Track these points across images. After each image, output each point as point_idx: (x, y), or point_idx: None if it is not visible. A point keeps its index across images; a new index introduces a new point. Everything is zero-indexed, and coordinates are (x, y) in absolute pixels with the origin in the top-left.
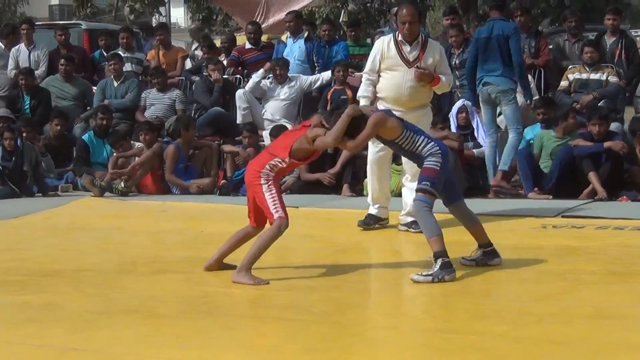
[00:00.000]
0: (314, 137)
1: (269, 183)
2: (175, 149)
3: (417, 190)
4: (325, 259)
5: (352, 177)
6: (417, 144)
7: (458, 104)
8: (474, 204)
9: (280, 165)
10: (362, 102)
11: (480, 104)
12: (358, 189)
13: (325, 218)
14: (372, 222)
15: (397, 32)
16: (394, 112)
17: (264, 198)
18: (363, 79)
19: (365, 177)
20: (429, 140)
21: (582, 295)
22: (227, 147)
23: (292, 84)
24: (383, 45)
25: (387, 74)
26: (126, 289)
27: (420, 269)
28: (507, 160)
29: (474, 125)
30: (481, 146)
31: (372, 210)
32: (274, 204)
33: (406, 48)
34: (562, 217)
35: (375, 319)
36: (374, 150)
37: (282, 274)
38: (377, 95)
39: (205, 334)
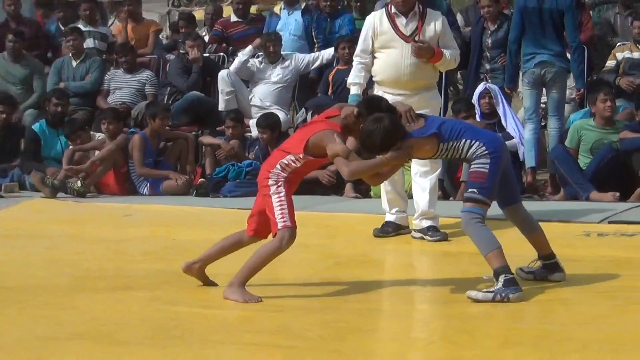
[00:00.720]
0: (334, 153)
1: (279, 185)
2: (142, 138)
3: (464, 201)
4: (323, 273)
5: None
6: (460, 152)
7: (480, 87)
8: None
9: (293, 164)
10: (353, 90)
11: (524, 86)
12: (364, 189)
13: (323, 224)
14: (390, 231)
15: (389, 4)
16: (393, 96)
17: (271, 204)
18: (354, 64)
19: None
20: (472, 141)
21: (634, 317)
22: (207, 139)
23: (286, 64)
24: (374, 21)
25: (382, 53)
26: (81, 309)
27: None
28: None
29: (501, 112)
30: (511, 137)
31: (390, 216)
32: (281, 211)
33: (401, 20)
34: (609, 222)
35: (381, 347)
36: None
37: (272, 291)
38: (374, 79)
39: None
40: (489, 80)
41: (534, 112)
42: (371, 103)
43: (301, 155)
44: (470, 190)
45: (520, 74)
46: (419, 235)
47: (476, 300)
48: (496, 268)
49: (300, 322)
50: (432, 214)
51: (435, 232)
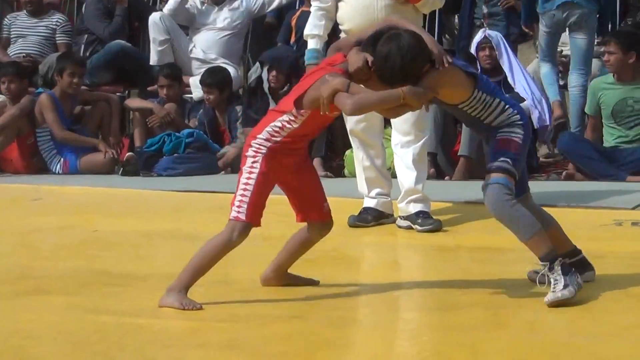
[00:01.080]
0: (331, 90)
1: (255, 159)
2: (51, 98)
3: (492, 170)
4: None
5: (327, 149)
6: (489, 111)
7: (478, 36)
8: None
9: (289, 125)
10: (311, 44)
11: (543, 31)
12: (336, 166)
13: (285, 211)
14: (370, 219)
15: None
16: None
17: (238, 182)
18: (312, 9)
19: (347, 147)
20: (506, 106)
21: None
22: (135, 102)
23: (235, 4)
24: None
25: None
26: None
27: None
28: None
29: (506, 67)
30: (523, 100)
31: (369, 201)
32: (241, 197)
33: None
34: None
35: None
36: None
37: (222, 295)
38: (341, 27)
39: None
40: (486, 28)
41: (550, 55)
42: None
43: (296, 112)
44: (501, 159)
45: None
46: (406, 223)
47: (557, 302)
48: (546, 254)
49: (258, 335)
50: (420, 193)
51: (426, 220)
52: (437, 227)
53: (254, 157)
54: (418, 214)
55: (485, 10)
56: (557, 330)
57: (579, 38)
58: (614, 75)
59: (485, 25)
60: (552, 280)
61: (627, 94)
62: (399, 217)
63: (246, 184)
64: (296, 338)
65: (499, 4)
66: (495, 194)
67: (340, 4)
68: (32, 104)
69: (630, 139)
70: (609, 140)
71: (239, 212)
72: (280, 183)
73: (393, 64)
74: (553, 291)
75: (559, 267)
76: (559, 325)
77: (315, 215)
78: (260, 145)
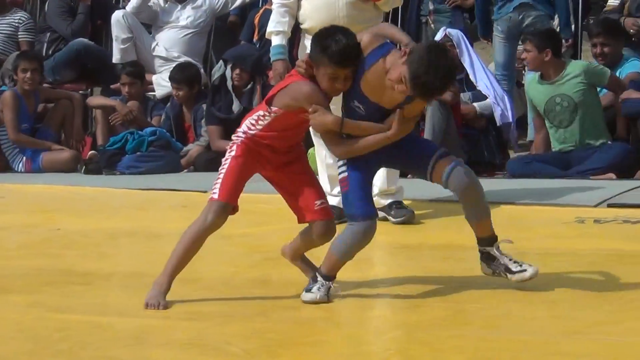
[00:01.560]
0: (321, 127)
1: (232, 147)
2: (14, 96)
3: (447, 155)
4: (248, 271)
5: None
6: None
7: (439, 34)
8: None
9: (261, 120)
10: (276, 41)
11: (496, 38)
12: None
13: (247, 208)
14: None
15: None
16: None
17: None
18: (274, 6)
19: (311, 145)
20: None
21: (636, 326)
22: (97, 100)
23: (198, 2)
24: None
25: None
26: None
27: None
28: None
29: (467, 64)
30: (485, 97)
31: (332, 199)
32: (217, 178)
33: None
34: (609, 206)
35: None
36: None
37: (184, 293)
38: (301, 26)
39: None
40: (432, 24)
41: (508, 69)
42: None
43: (269, 109)
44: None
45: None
46: (381, 214)
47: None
48: (493, 234)
49: (220, 333)
50: (394, 192)
51: (399, 210)
52: (410, 218)
53: (230, 145)
54: (391, 205)
55: (431, 6)
56: (517, 327)
57: None
58: (541, 76)
59: (430, 22)
60: (503, 260)
61: (553, 91)
62: None
63: (222, 168)
64: (258, 336)
65: (445, 1)
66: (469, 170)
67: (302, 2)
68: None
69: (572, 143)
70: (555, 146)
71: (213, 192)
72: (268, 179)
73: (432, 81)
74: (520, 271)
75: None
76: (519, 322)
77: (309, 216)
78: (237, 135)
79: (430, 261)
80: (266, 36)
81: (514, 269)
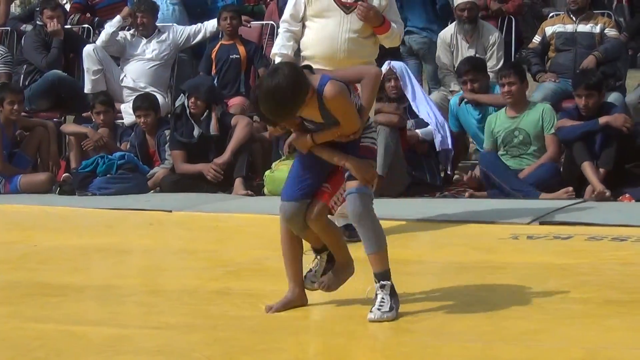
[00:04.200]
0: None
1: None
2: None
3: (350, 178)
4: (210, 284)
5: (248, 169)
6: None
7: (383, 68)
8: (420, 207)
9: None
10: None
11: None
12: (256, 186)
13: (210, 226)
14: None
15: None
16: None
17: None
18: (280, 31)
19: (267, 168)
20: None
21: (568, 332)
22: (70, 127)
23: (163, 37)
24: None
25: (315, 22)
26: None
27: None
28: None
29: (409, 96)
30: (427, 124)
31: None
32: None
33: None
34: (541, 223)
35: None
36: None
37: (150, 305)
38: (302, 53)
39: None
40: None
41: None
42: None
43: None
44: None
45: None
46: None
47: (379, 321)
48: (384, 271)
49: (185, 341)
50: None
51: (354, 232)
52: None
53: None
54: (347, 226)
55: None
56: (458, 335)
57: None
58: (505, 110)
59: None
60: (380, 297)
61: (511, 124)
62: None
63: None
64: (220, 344)
65: None
66: (363, 201)
67: (305, 31)
68: None
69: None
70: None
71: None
72: None
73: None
74: (379, 309)
75: (389, 289)
76: (460, 330)
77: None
78: None
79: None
80: (270, 56)
81: (371, 309)
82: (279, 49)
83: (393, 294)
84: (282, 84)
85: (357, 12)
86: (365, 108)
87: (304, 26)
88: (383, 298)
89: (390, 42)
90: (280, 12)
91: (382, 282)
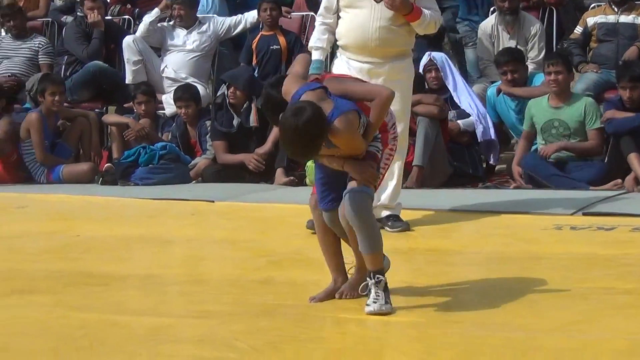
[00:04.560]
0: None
1: None
2: (40, 118)
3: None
4: (253, 274)
5: (289, 159)
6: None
7: (424, 59)
8: (462, 197)
9: None
10: (315, 56)
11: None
12: (298, 175)
13: (252, 216)
14: None
15: None
16: (360, 64)
17: None
18: (316, 24)
19: None
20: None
21: (611, 323)
22: (112, 118)
23: (203, 28)
24: None
25: (348, 12)
26: None
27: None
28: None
29: (450, 87)
30: (468, 115)
31: None
32: None
33: None
34: (584, 214)
35: (320, 359)
36: None
37: (193, 294)
38: (338, 43)
39: None
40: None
41: None
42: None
43: None
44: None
45: None
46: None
47: (377, 314)
48: (379, 270)
49: (228, 330)
50: (393, 208)
51: (396, 222)
52: (405, 228)
53: None
54: (389, 217)
55: None
56: (502, 325)
57: None
58: (548, 98)
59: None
60: (374, 291)
61: (553, 116)
62: None
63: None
64: (263, 333)
65: None
66: (362, 200)
67: (340, 21)
68: (13, 125)
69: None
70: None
71: None
72: None
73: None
74: (375, 302)
75: (383, 284)
76: (504, 321)
77: None
78: None
79: (421, 264)
80: (308, 49)
81: (367, 302)
82: (315, 42)
83: (386, 289)
84: (305, 128)
85: (385, 2)
86: (372, 126)
87: (338, 17)
88: (377, 292)
89: (424, 30)
90: (309, 3)
91: (377, 277)
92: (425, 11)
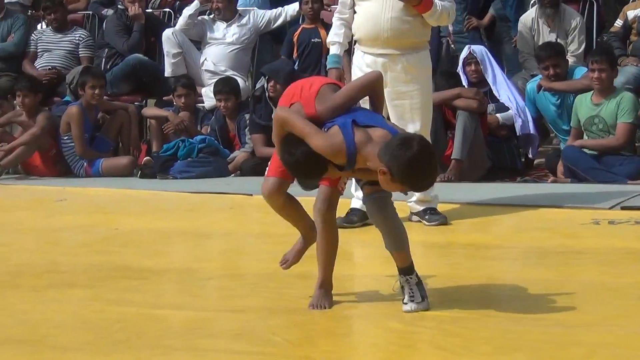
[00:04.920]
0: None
1: None
2: (80, 112)
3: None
4: (289, 268)
5: None
6: None
7: (464, 52)
8: (500, 191)
9: None
10: (332, 50)
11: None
12: None
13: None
14: (356, 220)
15: None
16: (374, 57)
17: None
18: (334, 19)
19: None
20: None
21: None
22: (151, 111)
23: (243, 21)
24: None
25: (361, 5)
26: (9, 309)
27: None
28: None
29: (490, 79)
30: (507, 109)
31: (356, 202)
32: None
33: None
34: (622, 208)
35: (358, 353)
36: None
37: (230, 288)
38: (354, 37)
39: None
40: (452, 45)
41: None
42: None
43: None
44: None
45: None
46: (416, 219)
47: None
48: (409, 267)
49: (264, 325)
50: (430, 200)
51: (433, 215)
52: (443, 222)
53: None
54: (426, 210)
55: (450, 28)
56: (535, 320)
57: None
58: (592, 95)
59: (451, 44)
60: (407, 289)
61: (593, 112)
62: (410, 213)
63: None
64: (300, 328)
65: (464, 23)
66: (388, 204)
67: (355, 15)
68: (52, 120)
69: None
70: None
71: None
72: None
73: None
74: (412, 301)
75: (415, 280)
76: (541, 315)
77: None
78: None
79: (459, 259)
80: (326, 45)
81: (404, 301)
82: (332, 38)
83: (419, 284)
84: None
85: None
86: (337, 99)
87: (354, 11)
88: (411, 289)
89: (436, 21)
90: None
91: (407, 277)
92: (437, 2)
